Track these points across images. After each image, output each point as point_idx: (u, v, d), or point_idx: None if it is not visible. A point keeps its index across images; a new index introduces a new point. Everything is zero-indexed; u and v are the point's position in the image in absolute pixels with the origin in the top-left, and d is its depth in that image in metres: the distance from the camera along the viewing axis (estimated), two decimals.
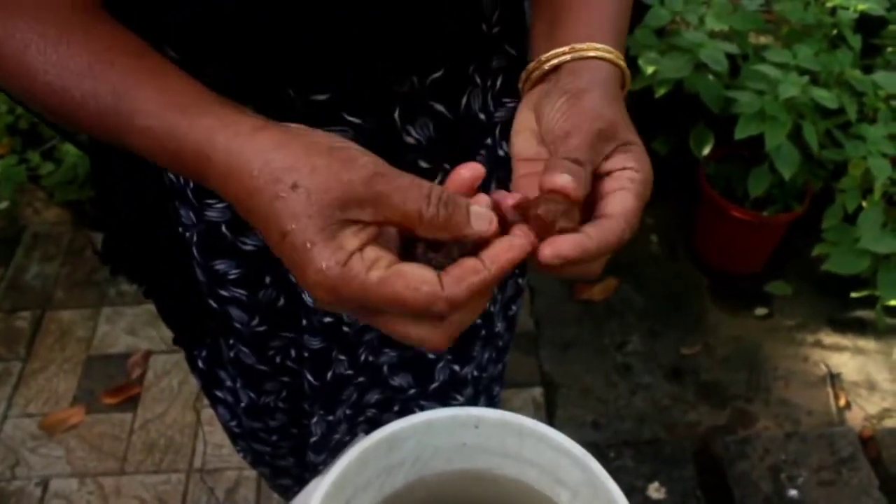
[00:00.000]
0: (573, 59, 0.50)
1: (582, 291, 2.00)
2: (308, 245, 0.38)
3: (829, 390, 1.85)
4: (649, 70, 1.68)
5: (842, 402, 1.83)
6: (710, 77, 1.71)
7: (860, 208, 1.61)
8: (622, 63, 0.51)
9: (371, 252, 0.39)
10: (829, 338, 1.96)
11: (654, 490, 1.60)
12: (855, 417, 1.79)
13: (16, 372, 1.95)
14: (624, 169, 0.48)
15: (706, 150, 1.82)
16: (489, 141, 0.71)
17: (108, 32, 0.49)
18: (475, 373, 0.92)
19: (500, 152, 0.73)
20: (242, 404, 0.94)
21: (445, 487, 0.80)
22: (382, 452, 0.72)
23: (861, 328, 1.97)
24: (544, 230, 0.43)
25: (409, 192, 0.39)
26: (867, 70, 1.74)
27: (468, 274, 0.39)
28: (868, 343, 1.95)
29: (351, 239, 0.39)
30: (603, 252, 0.44)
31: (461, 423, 0.71)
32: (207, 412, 1.80)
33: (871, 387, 1.85)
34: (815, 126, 1.57)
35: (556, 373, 1.83)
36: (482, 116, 0.69)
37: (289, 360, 0.87)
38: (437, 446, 0.75)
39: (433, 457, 0.76)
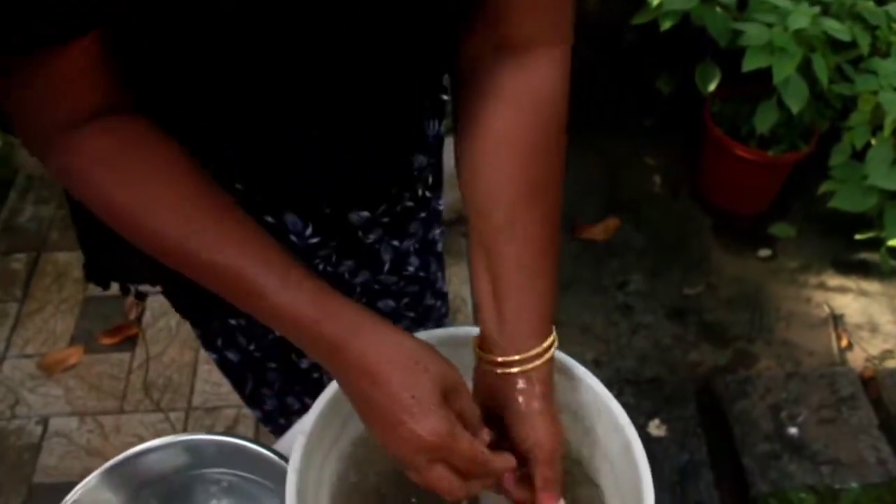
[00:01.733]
0: (527, 370, 0.61)
1: (583, 231, 1.98)
2: (430, 407, 0.53)
3: (832, 331, 1.84)
4: (655, 2, 1.63)
5: (844, 343, 1.82)
6: (718, 9, 1.66)
7: (868, 146, 1.58)
8: (556, 343, 0.63)
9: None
10: (832, 279, 1.94)
11: (655, 427, 1.60)
12: (856, 358, 1.79)
13: (13, 313, 1.94)
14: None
15: (712, 86, 1.78)
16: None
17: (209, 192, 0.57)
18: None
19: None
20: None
21: None
22: None
23: (865, 270, 1.95)
24: None
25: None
26: (881, 2, 1.68)
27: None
28: (871, 285, 1.93)
29: (450, 413, 0.55)
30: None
31: (461, 343, 0.69)
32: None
33: (874, 328, 1.84)
34: (826, 59, 1.52)
35: (556, 311, 1.81)
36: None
37: None
38: None
39: None
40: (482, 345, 0.63)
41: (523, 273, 0.62)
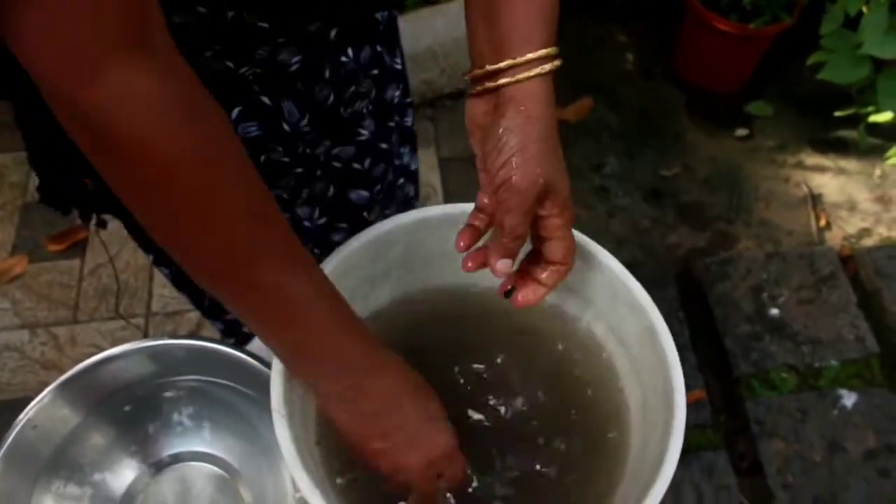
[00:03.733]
0: (517, 82, 0.52)
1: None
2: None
3: (810, 211, 1.80)
4: None
5: (822, 222, 1.78)
6: None
7: (860, 15, 1.49)
8: (557, 62, 0.53)
9: None
10: (810, 158, 1.89)
11: None
12: (835, 237, 1.76)
13: None
14: (550, 217, 0.55)
15: None
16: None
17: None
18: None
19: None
20: None
21: (435, 303, 0.70)
22: (367, 259, 0.61)
23: (842, 148, 1.91)
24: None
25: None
26: None
27: None
28: (849, 163, 1.89)
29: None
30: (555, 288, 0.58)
31: (454, 221, 0.60)
32: None
33: (852, 207, 1.81)
34: None
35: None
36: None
37: None
38: (428, 250, 0.64)
39: (422, 266, 0.66)
40: (473, 61, 0.55)
41: None
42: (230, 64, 0.64)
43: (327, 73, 0.72)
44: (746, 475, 1.42)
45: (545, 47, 0.52)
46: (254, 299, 0.49)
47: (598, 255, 0.62)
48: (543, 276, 0.57)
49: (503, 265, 0.54)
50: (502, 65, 0.52)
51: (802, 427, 1.45)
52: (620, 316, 0.63)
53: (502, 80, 0.52)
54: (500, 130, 0.52)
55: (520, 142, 0.52)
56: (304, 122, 0.73)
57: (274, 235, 0.49)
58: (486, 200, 0.58)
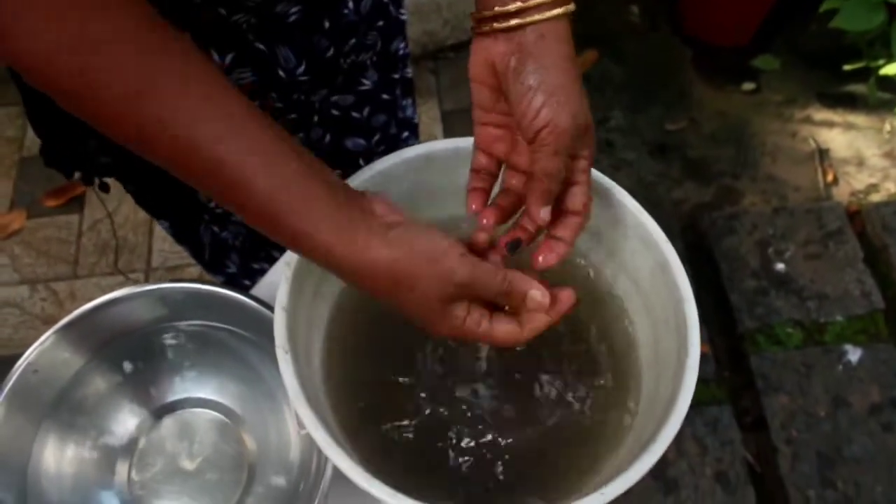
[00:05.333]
0: (539, 21, 0.50)
1: None
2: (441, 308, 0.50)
3: (817, 166, 1.78)
4: None
5: (829, 177, 1.76)
6: None
7: None
8: (571, 6, 0.51)
9: (475, 314, 0.51)
10: (818, 113, 1.86)
11: None
12: (842, 193, 1.74)
13: None
14: (580, 158, 0.52)
15: None
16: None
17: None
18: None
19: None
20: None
21: None
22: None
23: (851, 103, 1.87)
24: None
25: (490, 280, 0.50)
26: None
27: (536, 321, 0.52)
28: (858, 118, 1.86)
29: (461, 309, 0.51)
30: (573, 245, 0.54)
31: (463, 156, 0.58)
32: None
33: (860, 162, 1.78)
34: None
35: None
36: None
37: None
38: (435, 188, 0.63)
39: (429, 202, 0.64)
40: (480, 4, 0.51)
41: None
42: (222, 11, 0.62)
43: (327, 24, 0.71)
44: (750, 430, 1.42)
45: None
46: (210, 176, 0.45)
47: (610, 189, 0.60)
48: (561, 230, 0.53)
49: (546, 213, 0.51)
50: (532, 2, 0.49)
51: (807, 382, 1.44)
52: (632, 251, 0.61)
53: (531, 18, 0.49)
54: (535, 70, 0.49)
55: (557, 81, 0.49)
56: (301, 69, 0.71)
57: (215, 101, 0.44)
58: (483, 161, 0.55)
